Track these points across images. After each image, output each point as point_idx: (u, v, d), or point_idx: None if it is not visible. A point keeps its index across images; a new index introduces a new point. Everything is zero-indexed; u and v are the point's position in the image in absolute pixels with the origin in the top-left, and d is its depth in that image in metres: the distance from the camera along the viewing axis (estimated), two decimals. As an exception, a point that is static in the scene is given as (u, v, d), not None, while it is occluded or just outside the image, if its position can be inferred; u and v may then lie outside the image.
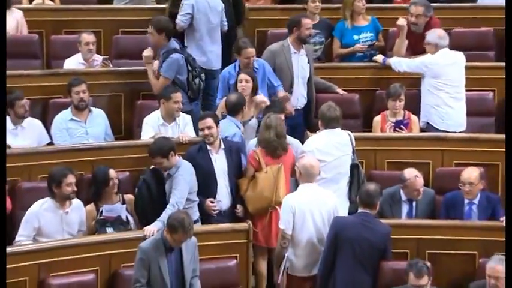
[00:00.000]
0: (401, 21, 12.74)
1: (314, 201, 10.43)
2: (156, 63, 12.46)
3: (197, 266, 9.66)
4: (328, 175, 10.94)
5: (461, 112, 12.26)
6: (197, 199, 10.74)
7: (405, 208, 11.18)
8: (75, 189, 10.55)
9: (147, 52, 12.29)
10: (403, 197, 11.13)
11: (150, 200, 10.76)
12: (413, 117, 12.42)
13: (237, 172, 11.04)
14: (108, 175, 10.75)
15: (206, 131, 10.99)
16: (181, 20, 12.91)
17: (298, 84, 12.53)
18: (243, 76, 11.74)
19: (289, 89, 12.42)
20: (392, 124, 12.15)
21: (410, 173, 11.12)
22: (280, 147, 10.97)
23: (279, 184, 10.90)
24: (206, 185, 10.91)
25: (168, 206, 10.40)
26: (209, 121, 10.93)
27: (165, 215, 10.31)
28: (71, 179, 10.46)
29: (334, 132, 11.15)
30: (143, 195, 10.82)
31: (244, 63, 12.20)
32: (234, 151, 11.08)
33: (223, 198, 10.91)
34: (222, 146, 10.99)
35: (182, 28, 12.99)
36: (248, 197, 10.94)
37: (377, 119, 12.51)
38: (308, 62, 12.67)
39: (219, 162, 10.93)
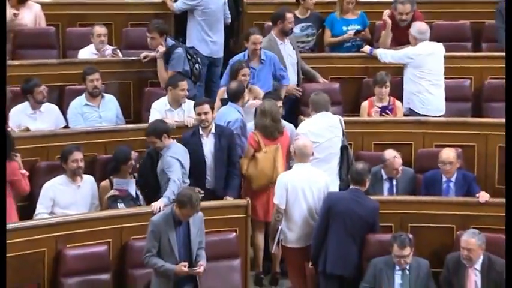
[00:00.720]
0: (386, 15, 12.78)
1: (306, 179, 10.52)
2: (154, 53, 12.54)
3: (203, 238, 9.71)
4: (321, 155, 10.98)
5: (441, 98, 12.31)
6: (188, 181, 10.76)
7: (386, 186, 11.21)
8: (81, 165, 10.63)
9: (161, 49, 12.31)
10: (384, 176, 11.19)
11: (152, 172, 10.83)
12: (398, 103, 12.44)
13: (222, 156, 10.98)
14: (130, 155, 10.82)
15: (203, 116, 11.01)
16: (180, 6, 13.09)
17: (289, 71, 12.51)
18: (246, 71, 11.74)
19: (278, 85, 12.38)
20: (379, 109, 12.16)
21: (389, 153, 11.15)
22: (276, 131, 11.05)
23: (278, 163, 10.98)
24: (195, 166, 10.92)
25: (170, 183, 10.46)
26: (206, 107, 10.99)
27: (169, 191, 10.45)
28: (77, 156, 10.57)
29: (326, 116, 11.20)
30: (147, 166, 10.98)
31: (251, 49, 12.24)
32: (224, 136, 11.05)
33: (209, 177, 10.97)
34: (213, 131, 10.97)
35: (176, 12, 13.20)
36: (250, 175, 11.03)
37: (364, 104, 12.51)
38: (293, 49, 12.67)
39: (208, 145, 10.96)
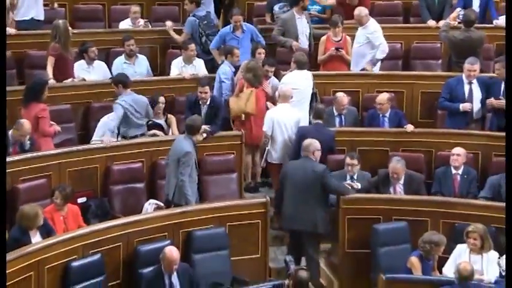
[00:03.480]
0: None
1: (286, 114, 10.75)
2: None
3: None
4: (297, 99, 11.01)
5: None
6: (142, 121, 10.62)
7: (337, 120, 11.13)
8: None
9: (168, 23, 12.47)
10: (335, 113, 11.12)
11: None
12: (348, 38, 12.07)
13: (212, 116, 10.88)
14: (158, 100, 10.83)
15: (203, 95, 10.86)
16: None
17: (302, 38, 12.34)
18: (261, 50, 11.67)
19: (296, 39, 12.20)
20: (334, 48, 11.97)
21: (339, 94, 11.14)
22: (256, 82, 11.07)
23: (249, 101, 10.98)
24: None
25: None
26: (207, 88, 10.90)
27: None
28: None
29: (302, 71, 11.23)
30: None
31: (233, 24, 12.13)
32: (215, 103, 10.96)
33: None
34: (207, 102, 10.90)
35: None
36: (232, 107, 11.02)
37: (323, 38, 12.16)
38: (308, 22, 12.50)
39: (203, 111, 10.87)
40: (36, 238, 8.49)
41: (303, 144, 9.94)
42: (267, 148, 10.88)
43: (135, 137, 10.48)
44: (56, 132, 10.30)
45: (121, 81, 10.62)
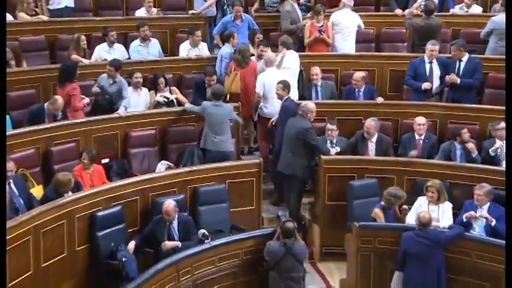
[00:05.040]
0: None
1: (274, 77, 10.56)
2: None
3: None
4: (290, 77, 10.71)
5: (353, 42, 12.11)
6: None
7: (313, 91, 11.09)
8: (140, 81, 10.55)
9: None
10: (313, 85, 11.10)
11: None
12: (328, 24, 11.90)
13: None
14: (159, 76, 10.81)
15: (211, 82, 10.60)
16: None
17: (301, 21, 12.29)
18: (260, 35, 11.77)
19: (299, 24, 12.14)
20: (317, 31, 11.87)
21: (314, 67, 11.10)
22: (243, 63, 11.00)
23: (234, 81, 10.90)
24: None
25: None
26: (214, 77, 10.69)
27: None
28: (138, 75, 10.55)
29: (291, 52, 11.16)
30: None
31: (235, 14, 12.10)
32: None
33: None
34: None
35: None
36: (226, 85, 10.79)
37: (307, 25, 11.98)
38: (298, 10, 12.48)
39: (208, 92, 10.56)
40: (67, 194, 8.57)
41: (300, 105, 9.90)
42: (259, 106, 10.80)
43: None
44: (85, 105, 10.29)
45: (119, 66, 10.57)
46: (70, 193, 8.52)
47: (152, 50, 11.92)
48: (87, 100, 10.33)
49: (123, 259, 8.17)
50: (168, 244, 8.41)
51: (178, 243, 8.42)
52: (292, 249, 8.08)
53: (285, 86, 10.24)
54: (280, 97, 10.26)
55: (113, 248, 8.35)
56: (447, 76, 10.89)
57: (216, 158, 9.88)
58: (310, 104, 9.88)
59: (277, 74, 10.70)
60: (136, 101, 10.69)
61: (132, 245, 8.42)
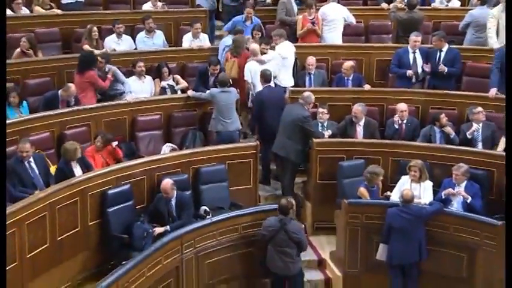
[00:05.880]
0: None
1: (259, 67, 10.48)
2: None
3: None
4: (284, 65, 10.82)
5: (339, 33, 12.03)
6: None
7: (307, 79, 11.04)
8: (143, 69, 10.52)
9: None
10: (306, 73, 11.05)
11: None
12: (319, 16, 11.81)
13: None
14: (163, 66, 10.79)
15: (215, 71, 10.56)
16: None
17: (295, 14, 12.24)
18: (258, 32, 11.51)
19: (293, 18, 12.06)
20: (310, 23, 11.76)
21: (310, 57, 11.05)
22: (235, 53, 10.90)
23: (233, 68, 10.79)
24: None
25: None
26: (218, 67, 10.63)
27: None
28: (140, 63, 10.54)
29: (286, 42, 11.04)
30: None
31: (246, 15, 11.99)
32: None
33: None
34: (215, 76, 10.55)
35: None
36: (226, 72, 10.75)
37: (300, 17, 11.87)
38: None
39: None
40: (77, 170, 8.62)
41: (303, 94, 9.87)
42: (250, 92, 10.74)
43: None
44: (110, 80, 10.31)
45: (108, 58, 10.59)
46: (78, 168, 8.59)
47: (157, 40, 11.85)
48: (110, 77, 10.36)
49: (145, 233, 8.27)
50: (157, 230, 8.39)
51: (168, 227, 8.38)
52: (286, 226, 8.05)
53: (262, 75, 10.28)
54: (262, 85, 10.28)
55: (140, 220, 8.42)
56: (440, 66, 10.76)
57: (225, 139, 9.90)
58: (312, 97, 9.85)
59: (261, 65, 10.65)
60: (141, 88, 10.67)
61: (160, 229, 8.41)
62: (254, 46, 10.90)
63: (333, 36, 11.98)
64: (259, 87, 10.48)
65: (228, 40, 11.53)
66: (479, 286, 8.14)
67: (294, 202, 8.26)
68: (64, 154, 8.62)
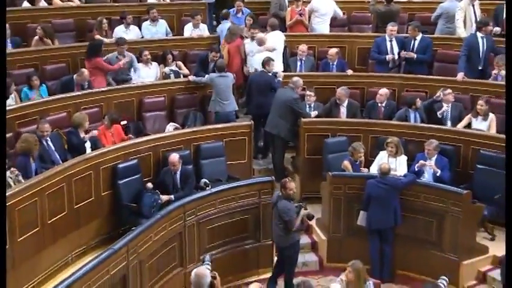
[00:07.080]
0: None
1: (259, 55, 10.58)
2: None
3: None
4: (275, 53, 10.68)
5: (328, 25, 12.03)
6: None
7: (298, 64, 11.05)
8: (149, 57, 10.45)
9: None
10: (298, 59, 11.05)
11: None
12: (306, 9, 11.75)
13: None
14: (167, 53, 10.79)
15: (214, 58, 10.48)
16: None
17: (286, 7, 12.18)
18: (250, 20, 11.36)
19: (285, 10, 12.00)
20: (298, 14, 11.75)
21: (302, 45, 10.89)
22: (229, 39, 10.92)
23: (224, 53, 10.84)
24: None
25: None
26: (218, 54, 10.57)
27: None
28: (146, 52, 10.42)
29: (277, 32, 11.03)
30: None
31: (236, 8, 12.04)
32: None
33: None
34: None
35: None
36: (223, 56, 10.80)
37: (288, 10, 11.89)
38: None
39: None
40: (86, 143, 8.65)
41: (292, 79, 9.81)
42: (248, 69, 10.73)
43: None
44: (124, 64, 10.29)
45: (123, 43, 10.51)
46: (88, 142, 8.61)
47: (160, 28, 11.77)
48: (123, 61, 10.32)
49: (154, 203, 8.34)
50: (163, 198, 8.46)
51: (172, 197, 8.45)
52: (277, 203, 7.85)
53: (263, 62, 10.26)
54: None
55: (151, 191, 8.47)
56: (405, 52, 10.83)
57: (223, 119, 9.88)
58: (300, 81, 9.85)
59: (261, 56, 10.58)
60: (147, 73, 10.65)
61: (166, 197, 8.50)
62: (261, 35, 10.78)
63: (323, 28, 11.98)
64: (254, 67, 10.48)
65: (224, 26, 11.49)
66: (446, 247, 8.23)
67: (293, 186, 7.85)
68: (74, 123, 8.73)
